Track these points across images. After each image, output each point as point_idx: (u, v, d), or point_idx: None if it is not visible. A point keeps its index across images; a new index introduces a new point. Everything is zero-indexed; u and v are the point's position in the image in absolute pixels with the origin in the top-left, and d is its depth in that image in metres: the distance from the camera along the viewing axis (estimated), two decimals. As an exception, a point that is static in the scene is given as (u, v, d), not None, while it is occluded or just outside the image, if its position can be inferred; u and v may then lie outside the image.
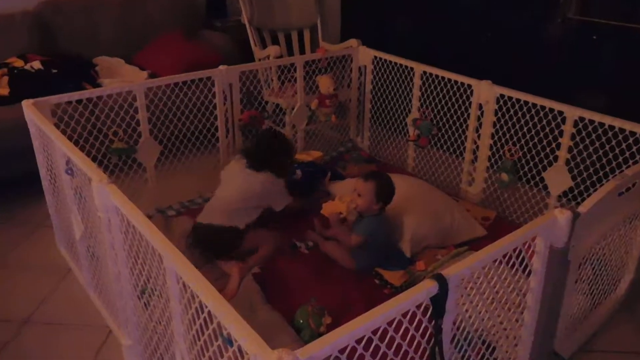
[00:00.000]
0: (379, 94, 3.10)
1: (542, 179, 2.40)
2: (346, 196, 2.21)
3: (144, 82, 2.39)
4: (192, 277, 1.14)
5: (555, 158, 2.32)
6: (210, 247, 2.21)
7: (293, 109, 3.00)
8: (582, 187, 2.29)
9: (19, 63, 2.90)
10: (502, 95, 2.45)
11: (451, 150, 2.82)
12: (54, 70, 2.86)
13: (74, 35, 3.23)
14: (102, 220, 1.55)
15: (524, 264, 1.43)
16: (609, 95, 2.43)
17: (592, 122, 2.18)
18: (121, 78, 3.02)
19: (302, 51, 3.52)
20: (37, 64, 2.84)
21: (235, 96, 2.69)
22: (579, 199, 2.33)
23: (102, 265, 1.81)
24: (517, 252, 1.37)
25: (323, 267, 2.22)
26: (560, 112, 2.26)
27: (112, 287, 1.73)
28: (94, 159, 2.39)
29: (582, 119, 2.20)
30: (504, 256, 1.34)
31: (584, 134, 2.22)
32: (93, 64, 3.12)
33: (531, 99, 2.34)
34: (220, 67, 2.60)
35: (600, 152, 2.18)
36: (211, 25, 3.77)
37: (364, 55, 3.08)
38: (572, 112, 2.22)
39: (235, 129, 2.77)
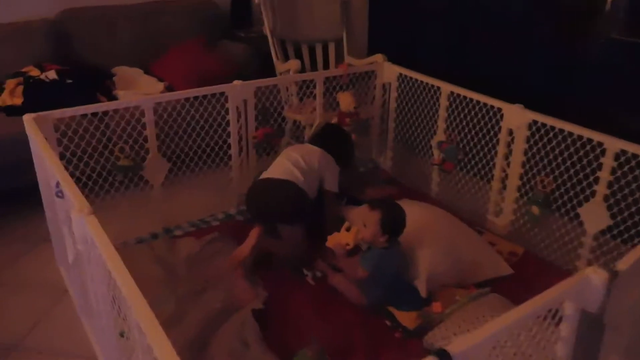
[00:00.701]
0: (403, 113, 2.92)
1: (577, 214, 2.17)
2: (354, 225, 2.04)
3: (152, 98, 2.28)
4: (154, 336, 1.00)
5: (593, 193, 2.10)
6: (271, 205, 2.21)
7: (312, 125, 2.85)
8: (622, 227, 2.06)
9: (35, 72, 2.84)
10: (534, 122, 2.25)
11: (478, 177, 2.62)
12: (69, 81, 2.79)
13: (93, 44, 3.17)
14: (82, 252, 1.43)
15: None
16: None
17: (635, 156, 1.95)
18: (137, 90, 2.93)
19: (326, 65, 3.38)
20: (52, 74, 2.78)
21: (249, 113, 2.56)
22: (619, 239, 2.10)
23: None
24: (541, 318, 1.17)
25: (329, 303, 2.05)
26: (600, 144, 2.04)
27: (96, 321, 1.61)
28: (99, 176, 2.32)
29: (624, 152, 1.98)
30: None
31: (626, 168, 1.99)
32: (111, 74, 3.05)
33: (568, 127, 2.13)
34: (235, 82, 2.47)
35: (645, 189, 1.95)
36: (235, 35, 3.66)
37: (389, 72, 2.91)
38: (613, 144, 2.00)
39: (249, 147, 2.64)
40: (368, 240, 1.99)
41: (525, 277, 2.18)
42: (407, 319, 1.98)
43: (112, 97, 2.84)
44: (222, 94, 2.47)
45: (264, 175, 2.28)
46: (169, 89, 2.96)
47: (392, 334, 1.93)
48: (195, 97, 2.42)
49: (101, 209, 1.71)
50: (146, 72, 3.14)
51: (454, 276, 2.10)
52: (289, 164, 2.25)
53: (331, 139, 2.46)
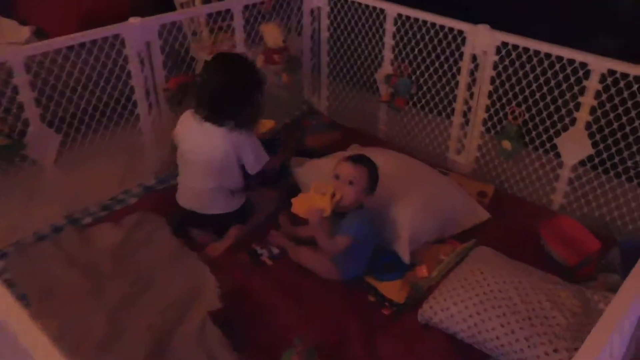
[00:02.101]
0: (338, 44, 2.51)
1: (553, 145, 1.96)
2: (324, 186, 1.68)
3: (22, 50, 1.66)
4: None
5: (573, 121, 1.89)
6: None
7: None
8: (605, 155, 1.88)
9: None
10: (504, 44, 1.95)
11: (434, 112, 2.32)
12: None
13: None
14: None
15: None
16: None
17: (625, 76, 1.73)
18: (-6, 38, 2.23)
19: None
20: None
21: (155, 59, 2.01)
22: (600, 169, 1.93)
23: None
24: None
25: (297, 284, 1.71)
26: (583, 65, 1.79)
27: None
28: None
29: (612, 72, 1.75)
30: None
31: (613, 91, 1.77)
32: (-49, 20, 2.29)
33: (544, 47, 1.86)
34: (131, 19, 1.90)
35: (634, 112, 1.76)
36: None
37: (318, -6, 2.45)
38: (599, 64, 1.76)
39: (160, 102, 2.11)
40: (350, 202, 1.64)
41: (502, 219, 1.98)
42: (391, 290, 1.69)
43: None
44: (116, 37, 1.89)
45: (184, 201, 1.86)
46: (38, 35, 2.28)
47: (379, 312, 1.63)
48: (82, 44, 1.82)
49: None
50: (2, 14, 2.40)
51: (435, 232, 1.84)
52: (195, 186, 1.81)
53: (219, 95, 1.71)
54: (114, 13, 2.16)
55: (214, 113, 1.72)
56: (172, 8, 2.55)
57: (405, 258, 1.73)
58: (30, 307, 1.57)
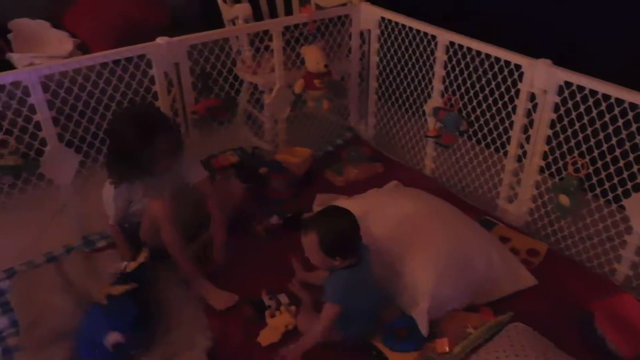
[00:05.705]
0: (387, 69, 2.30)
1: (621, 205, 1.64)
2: None
3: (37, 69, 1.63)
4: None
5: (647, 181, 1.56)
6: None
7: (272, 90, 2.22)
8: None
9: None
10: (567, 84, 1.66)
11: (487, 151, 2.05)
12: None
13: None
14: None
15: None
16: None
17: None
18: (40, 51, 2.24)
19: (288, 8, 2.68)
20: None
21: (184, 80, 1.92)
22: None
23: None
24: None
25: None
26: (664, 115, 1.47)
27: None
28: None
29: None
30: None
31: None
32: (6, 31, 2.34)
33: (615, 91, 1.55)
34: (159, 39, 1.82)
35: None
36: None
37: (368, 16, 2.26)
38: (684, 117, 1.43)
39: (188, 125, 2.02)
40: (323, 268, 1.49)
41: (552, 287, 1.70)
42: (401, 363, 1.47)
43: (4, 62, 2.16)
44: (142, 57, 1.81)
45: None
46: (81, 49, 2.28)
47: (385, 389, 1.42)
48: (104, 65, 1.76)
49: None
50: (56, 26, 2.43)
51: (463, 300, 1.58)
52: None
53: (119, 148, 1.64)
54: (154, 23, 2.12)
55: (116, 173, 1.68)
56: (220, 23, 2.46)
57: (424, 330, 1.50)
58: (18, 337, 1.53)
